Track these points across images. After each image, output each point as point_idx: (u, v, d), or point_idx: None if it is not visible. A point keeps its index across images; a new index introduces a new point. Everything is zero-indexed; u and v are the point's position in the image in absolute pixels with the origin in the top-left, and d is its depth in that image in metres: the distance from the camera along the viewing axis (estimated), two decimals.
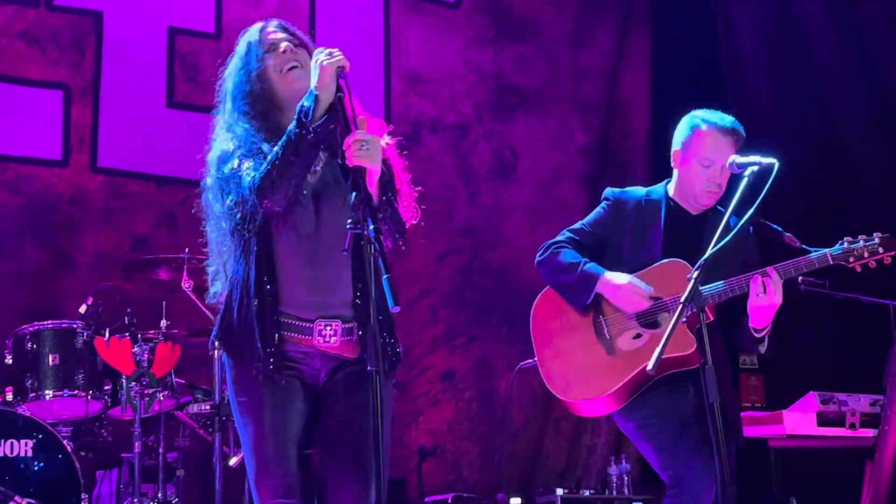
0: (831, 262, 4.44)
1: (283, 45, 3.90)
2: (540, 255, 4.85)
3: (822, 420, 5.96)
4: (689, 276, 4.06)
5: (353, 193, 3.45)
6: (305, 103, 3.62)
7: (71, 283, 7.47)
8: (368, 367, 3.40)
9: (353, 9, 8.83)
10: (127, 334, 6.36)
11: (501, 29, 9.31)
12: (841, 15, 8.05)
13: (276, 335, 3.73)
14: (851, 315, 6.74)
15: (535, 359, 4.86)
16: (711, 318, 4.52)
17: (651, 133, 9.44)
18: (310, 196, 3.76)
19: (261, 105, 3.86)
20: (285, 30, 3.99)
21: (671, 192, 4.84)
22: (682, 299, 3.99)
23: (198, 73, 8.08)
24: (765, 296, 4.38)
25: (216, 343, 3.92)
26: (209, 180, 3.84)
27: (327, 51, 3.71)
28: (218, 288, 3.92)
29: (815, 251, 4.46)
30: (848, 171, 7.98)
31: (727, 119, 4.79)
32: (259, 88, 3.86)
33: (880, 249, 4.41)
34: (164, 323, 6.42)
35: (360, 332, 3.77)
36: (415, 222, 3.97)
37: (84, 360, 6.38)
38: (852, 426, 5.98)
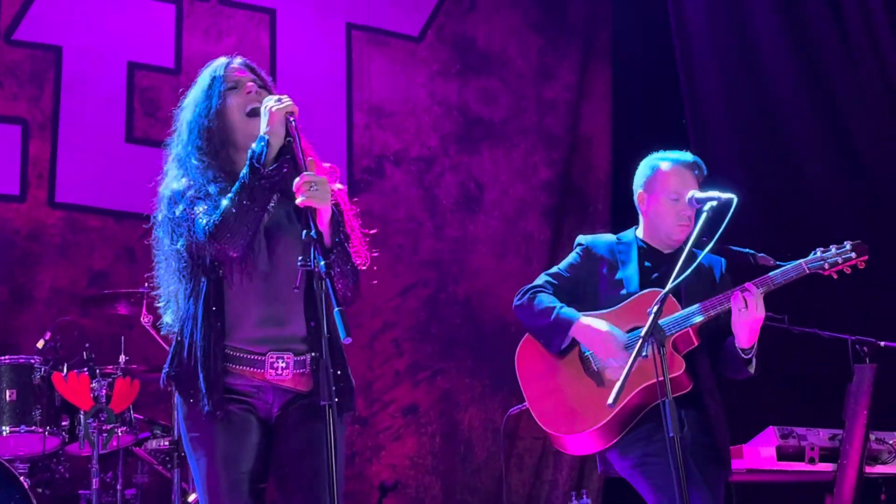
0: (807, 272, 4.54)
1: (249, 84, 3.94)
2: (517, 301, 4.89)
3: (782, 454, 5.95)
4: (648, 310, 4.09)
5: (304, 231, 3.48)
6: (256, 148, 3.68)
7: (28, 319, 7.42)
8: (322, 402, 3.41)
9: (315, 43, 8.83)
10: (85, 369, 6.33)
11: (466, 62, 9.34)
12: (799, 50, 8.12)
13: (225, 372, 3.76)
14: (810, 350, 6.77)
15: (525, 402, 4.85)
16: (696, 343, 4.58)
17: (612, 168, 9.49)
18: (262, 235, 3.80)
19: (217, 142, 3.88)
20: (251, 70, 4.04)
21: (641, 235, 4.92)
22: (642, 334, 4.02)
23: (157, 108, 8.04)
24: (747, 311, 4.43)
25: (167, 381, 3.92)
26: (160, 216, 3.88)
27: (276, 97, 3.80)
28: (169, 319, 3.95)
29: (790, 264, 4.55)
30: (806, 201, 8.03)
31: (687, 154, 4.91)
32: (217, 126, 3.89)
33: (853, 255, 4.56)
34: (122, 358, 6.40)
35: (313, 365, 3.81)
36: (364, 268, 4.00)
37: (41, 395, 6.33)
38: (812, 460, 5.97)
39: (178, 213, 3.76)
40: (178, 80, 8.06)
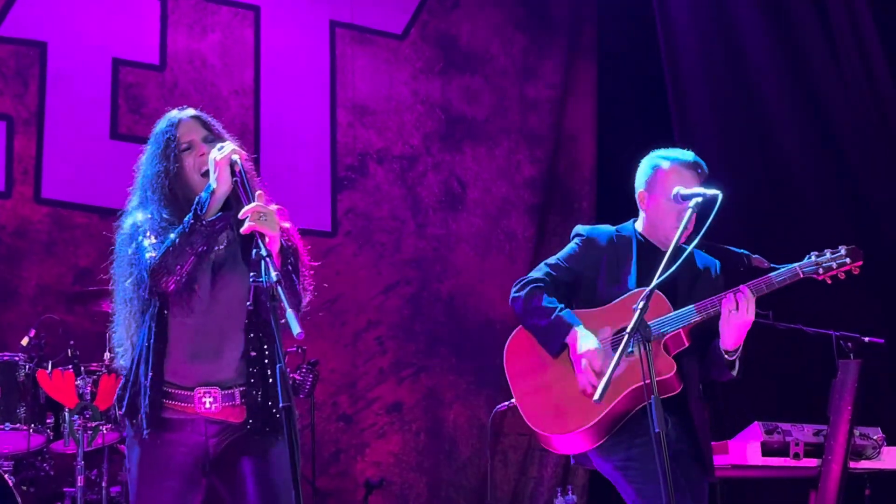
0: (801, 276, 4.50)
1: (201, 146, 4.08)
2: (515, 292, 4.82)
3: (767, 450, 5.96)
4: (633, 307, 4.09)
5: (255, 251, 3.65)
6: (203, 196, 3.88)
7: (13, 316, 7.40)
8: (280, 404, 3.49)
9: (299, 41, 8.84)
10: (70, 367, 6.30)
11: (449, 60, 9.35)
12: (784, 48, 8.15)
13: (162, 406, 3.92)
14: (795, 345, 6.79)
15: (513, 398, 4.82)
16: (687, 344, 4.57)
17: (597, 165, 9.52)
18: (209, 270, 3.98)
19: (175, 196, 4.05)
20: (202, 123, 4.17)
21: (640, 230, 4.86)
22: (628, 330, 4.01)
23: (142, 104, 8.05)
24: (737, 312, 4.42)
25: (117, 405, 4.07)
26: (119, 256, 4.07)
27: (218, 145, 3.97)
28: (125, 361, 4.09)
29: (784, 267, 4.52)
30: (790, 199, 8.06)
31: (689, 154, 4.83)
32: (178, 184, 4.06)
33: (848, 260, 4.48)
34: (107, 355, 6.36)
35: (244, 397, 3.97)
36: (306, 304, 4.11)
37: (26, 392, 6.29)
38: (796, 456, 5.99)
39: (130, 252, 3.96)
40: (162, 77, 8.08)
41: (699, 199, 4.44)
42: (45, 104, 7.81)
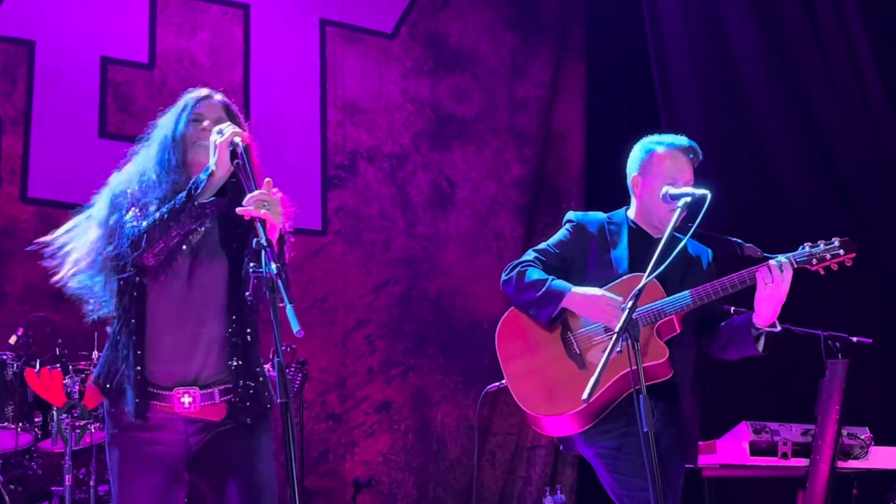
0: (795, 266, 4.47)
1: (206, 123, 4.03)
2: (506, 275, 4.82)
3: (755, 449, 5.97)
4: (622, 306, 4.09)
5: (255, 240, 3.57)
6: (200, 177, 3.81)
7: (1, 315, 7.38)
8: (277, 400, 3.46)
9: (289, 39, 8.83)
10: (58, 365, 6.27)
11: (439, 59, 9.36)
12: (773, 49, 8.17)
13: (142, 403, 3.85)
14: (783, 345, 6.79)
15: (504, 380, 4.80)
16: (679, 330, 4.56)
17: (585, 165, 9.53)
18: (188, 254, 3.92)
19: (175, 162, 3.99)
20: (225, 108, 4.14)
21: (632, 216, 4.85)
22: (617, 329, 4.01)
23: (130, 103, 8.03)
24: (773, 286, 4.39)
25: (95, 384, 4.03)
26: (96, 211, 4.02)
27: (217, 128, 3.90)
28: (74, 282, 4.12)
29: (778, 257, 4.50)
30: (778, 198, 8.08)
31: (683, 138, 4.84)
32: (180, 149, 3.99)
33: (841, 252, 4.47)
34: (95, 354, 6.35)
35: (224, 395, 3.92)
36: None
37: (14, 391, 6.28)
38: (784, 455, 6.00)
39: (112, 222, 3.91)
40: (151, 75, 8.06)
41: (688, 199, 4.44)
42: (32, 103, 7.79)
